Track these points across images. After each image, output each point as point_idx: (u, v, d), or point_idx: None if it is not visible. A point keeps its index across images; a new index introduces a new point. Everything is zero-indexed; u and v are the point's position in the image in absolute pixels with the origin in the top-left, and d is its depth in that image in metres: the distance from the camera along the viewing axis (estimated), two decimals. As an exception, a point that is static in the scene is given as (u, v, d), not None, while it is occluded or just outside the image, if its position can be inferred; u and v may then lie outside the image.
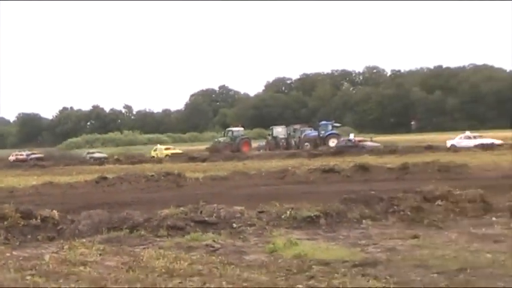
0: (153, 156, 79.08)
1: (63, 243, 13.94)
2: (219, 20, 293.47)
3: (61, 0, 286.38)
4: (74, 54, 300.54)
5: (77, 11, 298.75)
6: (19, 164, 74.40)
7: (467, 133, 77.78)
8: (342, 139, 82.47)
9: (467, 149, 61.92)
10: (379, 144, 74.49)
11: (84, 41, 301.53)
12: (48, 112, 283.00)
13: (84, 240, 14.14)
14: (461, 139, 73.80)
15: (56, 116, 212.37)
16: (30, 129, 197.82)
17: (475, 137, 73.39)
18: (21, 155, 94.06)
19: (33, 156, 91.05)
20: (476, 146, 64.11)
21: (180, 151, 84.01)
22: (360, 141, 78.27)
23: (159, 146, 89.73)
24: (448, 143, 72.24)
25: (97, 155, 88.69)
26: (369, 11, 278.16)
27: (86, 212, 16.64)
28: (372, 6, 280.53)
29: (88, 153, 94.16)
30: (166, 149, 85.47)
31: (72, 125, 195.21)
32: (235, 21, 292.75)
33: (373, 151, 63.98)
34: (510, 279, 9.04)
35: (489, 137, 73.60)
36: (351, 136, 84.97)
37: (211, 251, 12.43)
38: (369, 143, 75.87)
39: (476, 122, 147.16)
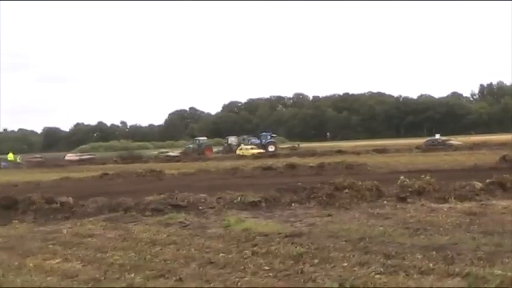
0: (239, 154, 71.80)
1: (76, 221, 13.99)
2: (188, 52, 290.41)
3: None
4: (88, 79, 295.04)
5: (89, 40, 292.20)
6: (77, 162, 71.05)
7: None
8: (428, 139, 74.37)
9: None
10: (461, 143, 68.17)
11: (91, 68, 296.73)
12: (66, 126, 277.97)
13: (91, 219, 14.20)
14: None
15: (71, 129, 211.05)
16: (52, 138, 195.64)
17: None
18: (81, 155, 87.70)
19: (89, 157, 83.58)
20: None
21: (263, 150, 75.62)
22: (445, 140, 71.68)
23: (243, 146, 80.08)
24: None
25: (170, 153, 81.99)
26: (297, 48, 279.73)
27: (92, 198, 16.65)
28: (299, 45, 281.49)
29: (161, 152, 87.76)
30: (252, 148, 79.85)
31: (82, 136, 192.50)
32: (202, 54, 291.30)
33: (457, 148, 57.88)
34: (396, 245, 9.15)
35: None
36: (437, 136, 78.33)
37: (183, 226, 12.44)
38: (453, 142, 69.57)
39: (372, 134, 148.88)
